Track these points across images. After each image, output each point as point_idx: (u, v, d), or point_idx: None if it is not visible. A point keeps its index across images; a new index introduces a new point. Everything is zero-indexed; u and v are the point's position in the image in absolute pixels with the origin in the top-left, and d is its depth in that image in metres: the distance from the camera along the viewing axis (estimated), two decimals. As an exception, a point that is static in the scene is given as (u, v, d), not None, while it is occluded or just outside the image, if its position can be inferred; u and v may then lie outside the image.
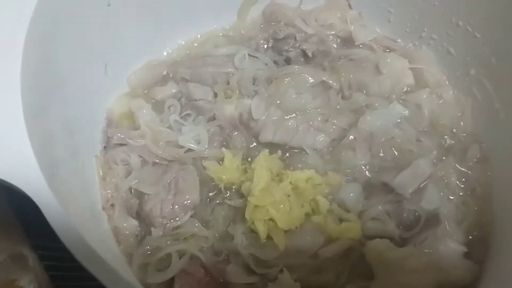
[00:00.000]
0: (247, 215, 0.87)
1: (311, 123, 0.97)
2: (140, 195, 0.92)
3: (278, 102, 0.98)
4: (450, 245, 0.84)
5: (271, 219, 0.86)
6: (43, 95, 0.75)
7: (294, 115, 0.98)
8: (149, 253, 0.86)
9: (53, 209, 0.59)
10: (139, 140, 0.95)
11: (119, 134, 0.95)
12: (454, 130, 1.01)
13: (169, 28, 1.08)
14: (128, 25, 0.98)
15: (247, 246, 0.87)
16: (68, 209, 0.64)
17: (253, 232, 0.87)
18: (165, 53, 1.11)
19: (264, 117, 0.97)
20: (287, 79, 0.99)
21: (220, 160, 0.95)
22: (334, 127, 0.98)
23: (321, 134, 0.97)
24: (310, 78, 1.00)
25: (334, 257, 0.86)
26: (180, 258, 0.85)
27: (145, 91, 1.05)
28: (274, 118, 0.97)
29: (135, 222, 0.89)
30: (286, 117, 0.97)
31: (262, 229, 0.86)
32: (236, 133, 0.98)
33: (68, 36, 0.82)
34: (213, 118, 0.99)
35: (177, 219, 0.88)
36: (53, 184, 0.64)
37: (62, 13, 0.79)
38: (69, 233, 0.58)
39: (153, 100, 1.04)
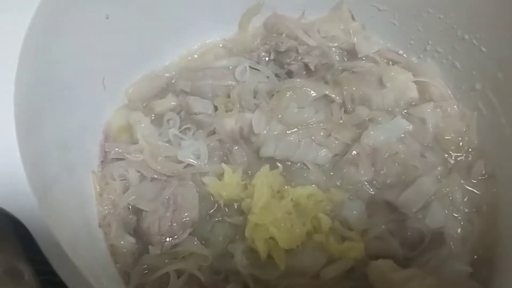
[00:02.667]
0: (247, 234, 0.85)
1: (313, 137, 0.95)
2: (138, 211, 0.89)
3: (279, 116, 0.96)
4: (455, 266, 0.83)
5: (271, 238, 0.85)
6: (37, 110, 0.73)
7: (295, 129, 0.96)
8: (146, 272, 0.84)
9: (43, 234, 0.58)
10: (137, 155, 0.93)
11: (116, 149, 0.93)
12: (459, 145, 0.99)
13: (168, 39, 1.06)
14: (126, 37, 0.95)
15: (247, 266, 0.84)
16: (60, 231, 0.62)
17: (254, 251, 0.85)
18: (164, 65, 1.09)
19: (265, 131, 0.95)
20: (289, 93, 0.98)
21: (220, 176, 0.93)
22: (336, 142, 0.96)
23: (323, 149, 0.95)
24: (312, 92, 0.98)
25: (336, 278, 0.84)
26: (178, 278, 0.83)
27: (144, 104, 1.03)
28: (275, 133, 0.95)
29: (132, 240, 0.87)
30: (287, 132, 0.95)
31: (262, 248, 0.84)
32: (236, 147, 0.96)
33: (64, 49, 0.80)
34: (213, 132, 0.97)
35: (176, 237, 0.86)
36: (46, 206, 0.62)
37: (59, 26, 0.77)
38: (60, 258, 0.57)
39: (152, 113, 1.01)
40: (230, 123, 0.97)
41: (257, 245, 0.84)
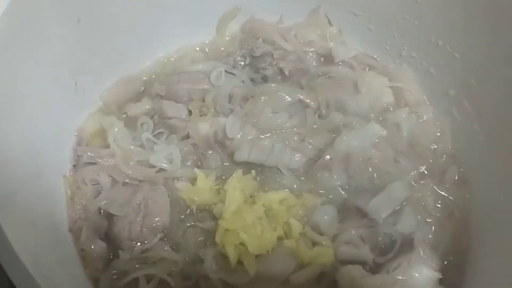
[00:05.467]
0: (217, 239, 0.85)
1: (287, 142, 0.95)
2: (109, 216, 0.89)
3: (254, 120, 0.96)
4: (424, 271, 0.83)
5: (242, 243, 0.84)
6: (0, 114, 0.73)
7: (270, 134, 0.96)
8: (116, 277, 0.84)
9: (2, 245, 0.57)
10: (109, 159, 0.92)
11: (89, 153, 0.93)
12: (433, 151, 1.00)
13: (145, 42, 1.06)
14: (100, 40, 0.95)
15: (217, 271, 0.84)
16: (22, 238, 0.62)
17: (224, 256, 0.85)
18: (141, 68, 1.08)
19: (239, 136, 0.95)
20: (263, 98, 0.98)
21: (193, 180, 0.93)
22: (310, 147, 0.96)
23: (297, 154, 0.95)
24: (287, 97, 0.98)
25: (305, 283, 0.84)
26: (148, 283, 0.83)
27: (119, 108, 1.02)
28: (249, 137, 0.95)
29: (103, 244, 0.86)
30: (261, 136, 0.96)
31: (232, 254, 0.84)
32: (210, 152, 0.96)
33: (32, 52, 0.80)
34: (187, 137, 0.97)
35: (146, 242, 0.86)
36: (7, 214, 0.61)
37: (27, 28, 0.77)
38: (15, 267, 0.56)
39: (126, 117, 1.01)
40: (204, 127, 0.97)
41: (227, 251, 0.84)
